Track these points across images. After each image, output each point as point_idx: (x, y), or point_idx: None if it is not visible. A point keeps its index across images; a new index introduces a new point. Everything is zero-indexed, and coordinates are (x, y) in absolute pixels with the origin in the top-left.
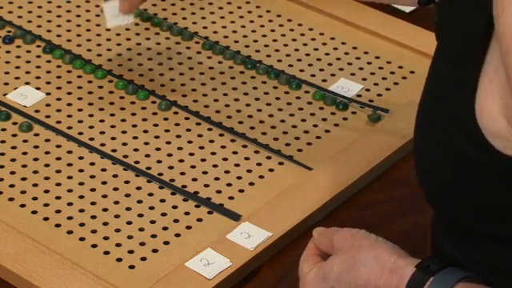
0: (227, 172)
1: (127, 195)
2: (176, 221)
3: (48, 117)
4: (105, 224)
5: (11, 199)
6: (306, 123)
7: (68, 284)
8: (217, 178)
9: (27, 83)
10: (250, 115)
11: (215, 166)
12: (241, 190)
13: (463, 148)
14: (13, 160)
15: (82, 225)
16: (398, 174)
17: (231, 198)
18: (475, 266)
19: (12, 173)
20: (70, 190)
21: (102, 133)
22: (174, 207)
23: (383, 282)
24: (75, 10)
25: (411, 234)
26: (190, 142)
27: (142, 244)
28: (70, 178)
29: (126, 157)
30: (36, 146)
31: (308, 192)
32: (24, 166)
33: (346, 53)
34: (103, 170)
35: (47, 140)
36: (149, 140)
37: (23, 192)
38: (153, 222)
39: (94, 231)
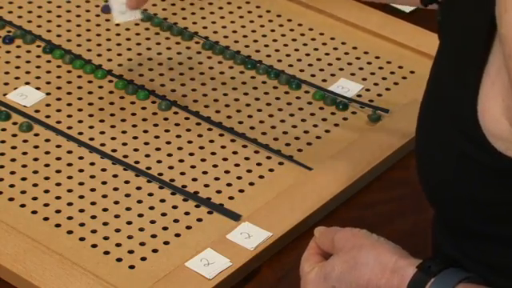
0: (227, 172)
1: (127, 195)
2: (176, 221)
3: (48, 117)
4: (105, 224)
5: (11, 199)
6: (306, 123)
7: (68, 284)
8: (217, 178)
9: (27, 83)
10: (249, 115)
11: (215, 165)
12: (241, 190)
13: (465, 148)
14: (13, 160)
15: (82, 225)
16: (398, 174)
17: (231, 198)
18: (475, 267)
19: (12, 173)
20: (69, 190)
21: (102, 133)
22: (174, 207)
23: (384, 282)
24: (75, 9)
25: (411, 234)
26: (190, 142)
27: (142, 244)
28: (70, 178)
29: (126, 157)
30: (36, 146)
31: (308, 192)
32: (24, 166)
33: (346, 53)
34: (103, 169)
35: (47, 140)
36: (149, 140)
37: (23, 192)
38: (153, 222)
39: (93, 231)
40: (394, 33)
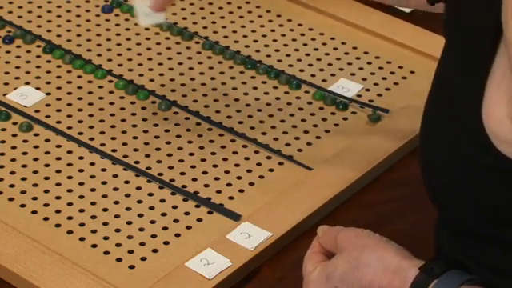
0: (227, 172)
1: (127, 195)
2: (176, 221)
3: (48, 117)
4: (105, 224)
5: (11, 199)
6: (305, 123)
7: (68, 284)
8: (217, 178)
9: (27, 83)
10: (250, 115)
11: (215, 166)
12: (241, 190)
13: (468, 150)
14: (13, 160)
15: (82, 225)
16: (398, 174)
17: (231, 198)
18: (477, 268)
19: (12, 173)
20: (69, 190)
21: (102, 133)
22: (174, 207)
23: (387, 283)
24: (75, 9)
25: (411, 234)
26: (190, 142)
27: (142, 244)
28: (70, 178)
29: (126, 157)
30: (36, 146)
31: (308, 192)
32: (24, 166)
33: (346, 53)
34: (103, 170)
35: (47, 140)
36: (149, 140)
37: (23, 192)
38: (153, 222)
39: (93, 231)
40: (393, 33)
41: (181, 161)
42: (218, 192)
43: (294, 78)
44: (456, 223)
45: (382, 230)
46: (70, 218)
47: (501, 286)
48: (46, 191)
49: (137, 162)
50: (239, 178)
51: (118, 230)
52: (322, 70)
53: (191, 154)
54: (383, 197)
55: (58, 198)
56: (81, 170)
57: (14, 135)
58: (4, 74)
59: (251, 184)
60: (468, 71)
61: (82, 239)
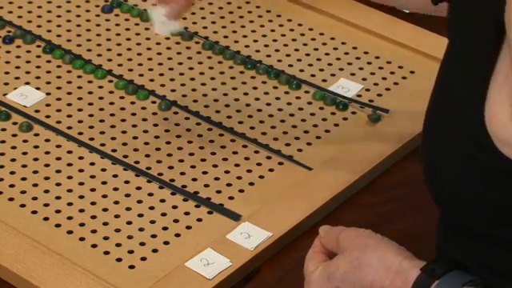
0: (227, 172)
1: (127, 195)
2: (176, 221)
3: (48, 117)
4: (105, 224)
5: (11, 199)
6: (305, 123)
7: (68, 284)
8: (217, 178)
9: (27, 83)
10: (250, 115)
11: (215, 166)
12: (241, 190)
13: (471, 151)
14: (13, 160)
15: (82, 225)
16: (397, 175)
17: (231, 198)
18: (478, 269)
19: (12, 173)
20: (69, 190)
21: (102, 133)
22: (174, 207)
23: (388, 283)
24: (75, 9)
25: (411, 234)
26: (190, 142)
27: (142, 244)
28: (70, 178)
29: (125, 157)
30: (36, 146)
31: (308, 192)
32: (24, 166)
33: (346, 53)
34: (103, 170)
35: (47, 140)
36: (149, 140)
37: (23, 192)
38: (153, 222)
39: (93, 231)
40: (393, 33)
41: (181, 161)
42: (218, 192)
43: (294, 78)
44: (457, 223)
45: (381, 230)
46: (69, 218)
47: (501, 286)
48: (46, 191)
49: (137, 162)
50: (239, 177)
51: (117, 230)
52: (322, 70)
53: (191, 154)
54: (383, 197)
55: (58, 198)
56: (81, 170)
57: (14, 135)
58: (4, 74)
59: (251, 184)
60: (470, 72)
61: (81, 239)
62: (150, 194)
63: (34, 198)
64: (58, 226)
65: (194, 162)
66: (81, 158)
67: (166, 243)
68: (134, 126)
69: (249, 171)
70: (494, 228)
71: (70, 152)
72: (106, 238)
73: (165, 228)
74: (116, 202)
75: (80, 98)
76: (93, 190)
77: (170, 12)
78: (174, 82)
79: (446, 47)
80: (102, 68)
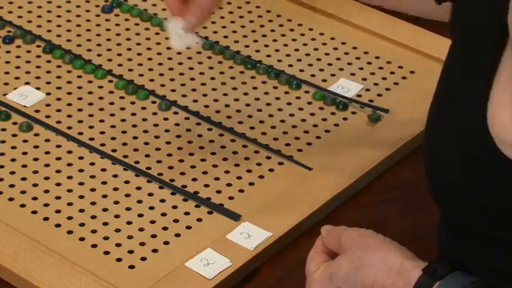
0: (227, 172)
1: (127, 195)
2: (176, 221)
3: (48, 117)
4: (105, 224)
5: (11, 199)
6: (305, 123)
7: (68, 284)
8: (217, 178)
9: (27, 83)
10: (249, 115)
11: (215, 166)
12: (241, 190)
13: (473, 151)
14: (13, 160)
15: (82, 225)
16: (398, 175)
17: (231, 198)
18: (479, 269)
19: (12, 173)
20: (69, 190)
21: (102, 133)
22: (174, 207)
23: (390, 283)
24: (75, 9)
25: (410, 235)
26: (189, 142)
27: (142, 244)
28: (70, 178)
29: (126, 157)
30: (36, 146)
31: (308, 192)
32: (24, 166)
33: (346, 53)
34: (103, 170)
35: (47, 140)
36: (149, 140)
37: (23, 192)
38: (153, 222)
39: (93, 231)
40: (393, 33)
41: (181, 161)
42: (218, 192)
43: (294, 78)
44: (458, 224)
45: (381, 230)
46: (69, 218)
47: (503, 287)
48: (46, 191)
49: (137, 162)
50: (239, 178)
51: (117, 230)
52: (321, 70)
53: (191, 154)
54: (383, 197)
55: (58, 198)
56: (81, 170)
57: (14, 135)
58: (4, 74)
59: (251, 184)
60: (473, 72)
61: (81, 239)
62: (150, 194)
63: (34, 198)
64: (57, 226)
65: (194, 162)
66: (81, 157)
67: (166, 243)
68: (134, 125)
69: (249, 171)
70: (496, 229)
71: (69, 152)
72: (106, 238)
73: (165, 228)
74: (116, 202)
75: (80, 98)
76: (93, 190)
77: (186, 25)
78: (174, 82)
79: (449, 48)
80: (102, 68)
